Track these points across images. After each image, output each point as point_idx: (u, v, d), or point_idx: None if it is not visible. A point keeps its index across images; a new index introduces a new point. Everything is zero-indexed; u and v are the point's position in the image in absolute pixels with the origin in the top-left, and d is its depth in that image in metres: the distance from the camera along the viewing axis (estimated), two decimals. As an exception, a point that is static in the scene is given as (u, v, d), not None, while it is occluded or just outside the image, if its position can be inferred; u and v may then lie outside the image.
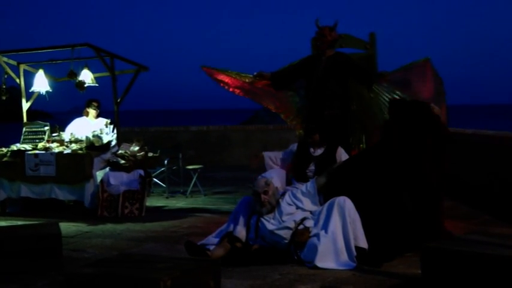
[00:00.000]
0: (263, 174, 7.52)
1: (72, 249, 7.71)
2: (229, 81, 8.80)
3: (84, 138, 10.71)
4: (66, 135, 11.00)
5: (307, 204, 7.10)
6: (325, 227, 6.78)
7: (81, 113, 11.47)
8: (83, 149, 10.45)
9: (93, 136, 10.64)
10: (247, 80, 8.68)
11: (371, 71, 8.37)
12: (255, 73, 8.59)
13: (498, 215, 8.91)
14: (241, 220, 7.15)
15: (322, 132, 7.76)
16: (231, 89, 8.87)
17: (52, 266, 6.62)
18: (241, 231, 7.09)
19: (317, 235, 6.75)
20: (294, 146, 8.06)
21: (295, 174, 7.76)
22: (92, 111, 11.27)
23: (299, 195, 7.15)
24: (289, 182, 7.76)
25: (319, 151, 7.75)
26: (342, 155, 7.71)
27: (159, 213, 10.36)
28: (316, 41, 8.44)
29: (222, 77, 8.80)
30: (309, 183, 7.24)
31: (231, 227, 7.17)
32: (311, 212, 7.05)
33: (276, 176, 7.54)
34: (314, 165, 7.67)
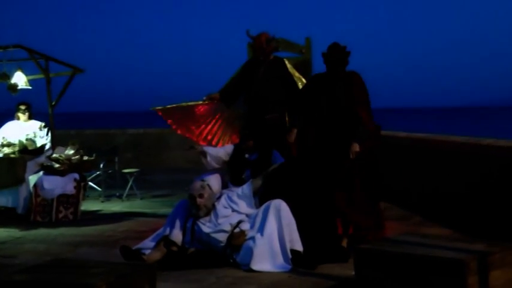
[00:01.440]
0: (199, 178, 7.47)
1: (3, 256, 7.56)
2: (173, 121, 8.67)
3: (17, 141, 10.51)
4: (-3, 139, 10.76)
5: (243, 206, 7.11)
6: (261, 229, 6.81)
7: (14, 116, 11.24)
8: (16, 152, 10.28)
9: (27, 139, 10.48)
10: (200, 103, 8.53)
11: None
12: (204, 97, 8.49)
13: (429, 216, 9.08)
14: (178, 223, 7.11)
15: (256, 138, 7.74)
16: (173, 127, 8.74)
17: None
18: (177, 235, 7.06)
19: (253, 238, 6.77)
20: (229, 148, 7.99)
21: (231, 178, 7.74)
22: (21, 115, 11.04)
23: (235, 198, 7.15)
24: (225, 185, 7.74)
25: (254, 156, 7.75)
26: (277, 158, 7.72)
27: (95, 218, 10.26)
28: (255, 52, 8.40)
29: (166, 116, 8.65)
30: (244, 186, 7.26)
31: (168, 231, 7.13)
32: (247, 215, 7.06)
33: (212, 179, 7.51)
34: (250, 170, 7.65)
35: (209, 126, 8.64)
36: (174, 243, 7.00)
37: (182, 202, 7.35)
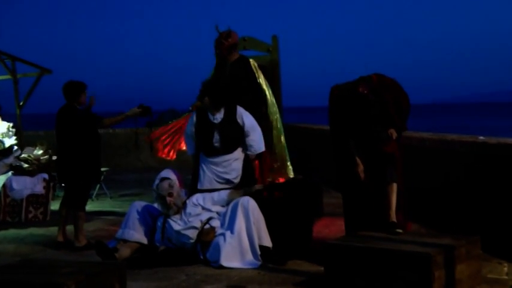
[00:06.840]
0: (161, 175, 7.24)
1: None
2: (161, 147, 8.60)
3: (-15, 143, 10.41)
4: (-35, 141, 10.64)
5: (214, 205, 7.07)
6: (230, 227, 6.78)
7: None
8: (-16, 153, 10.16)
9: (-5, 140, 10.39)
10: (185, 115, 8.39)
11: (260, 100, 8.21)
12: (190, 107, 8.33)
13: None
14: (137, 223, 7.14)
15: (212, 96, 7.45)
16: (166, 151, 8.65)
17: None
18: (133, 235, 7.07)
19: (223, 235, 6.74)
20: (192, 116, 7.75)
21: (202, 148, 7.48)
22: (-11, 116, 10.90)
23: (208, 202, 7.05)
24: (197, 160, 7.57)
25: (218, 117, 7.45)
26: (243, 115, 7.48)
27: (65, 217, 10.12)
28: (216, 49, 8.29)
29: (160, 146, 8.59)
30: (222, 192, 7.14)
31: (122, 232, 7.15)
32: (217, 213, 7.02)
33: (172, 175, 7.31)
34: (218, 134, 7.35)
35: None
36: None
37: (137, 204, 7.36)
